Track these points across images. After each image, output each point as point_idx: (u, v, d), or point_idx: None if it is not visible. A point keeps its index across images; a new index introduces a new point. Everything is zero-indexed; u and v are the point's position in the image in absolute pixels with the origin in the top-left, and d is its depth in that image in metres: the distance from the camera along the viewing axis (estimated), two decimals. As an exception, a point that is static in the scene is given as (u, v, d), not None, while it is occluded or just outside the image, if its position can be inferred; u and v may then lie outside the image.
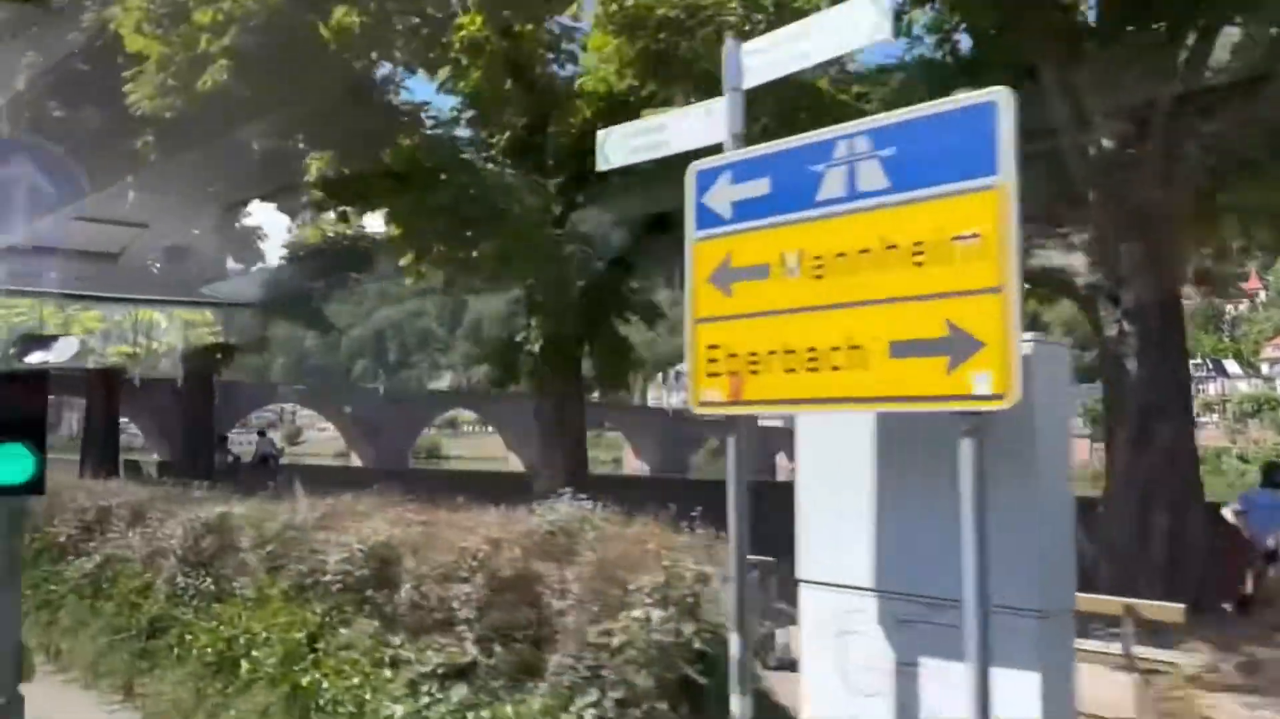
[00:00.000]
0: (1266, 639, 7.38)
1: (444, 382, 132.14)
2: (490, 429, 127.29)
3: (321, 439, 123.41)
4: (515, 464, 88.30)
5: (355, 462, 73.08)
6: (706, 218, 3.71)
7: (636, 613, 4.14)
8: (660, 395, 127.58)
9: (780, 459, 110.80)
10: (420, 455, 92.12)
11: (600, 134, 4.24)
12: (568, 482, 11.67)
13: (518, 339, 11.11)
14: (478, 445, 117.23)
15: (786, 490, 3.94)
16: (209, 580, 6.87)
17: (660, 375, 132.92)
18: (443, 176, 9.40)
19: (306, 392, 78.85)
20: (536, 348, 10.89)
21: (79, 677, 7.57)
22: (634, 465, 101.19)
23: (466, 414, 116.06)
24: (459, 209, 9.21)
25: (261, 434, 24.11)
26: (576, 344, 11.41)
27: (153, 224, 18.02)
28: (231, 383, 76.58)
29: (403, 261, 10.38)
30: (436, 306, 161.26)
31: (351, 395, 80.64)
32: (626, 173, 13.68)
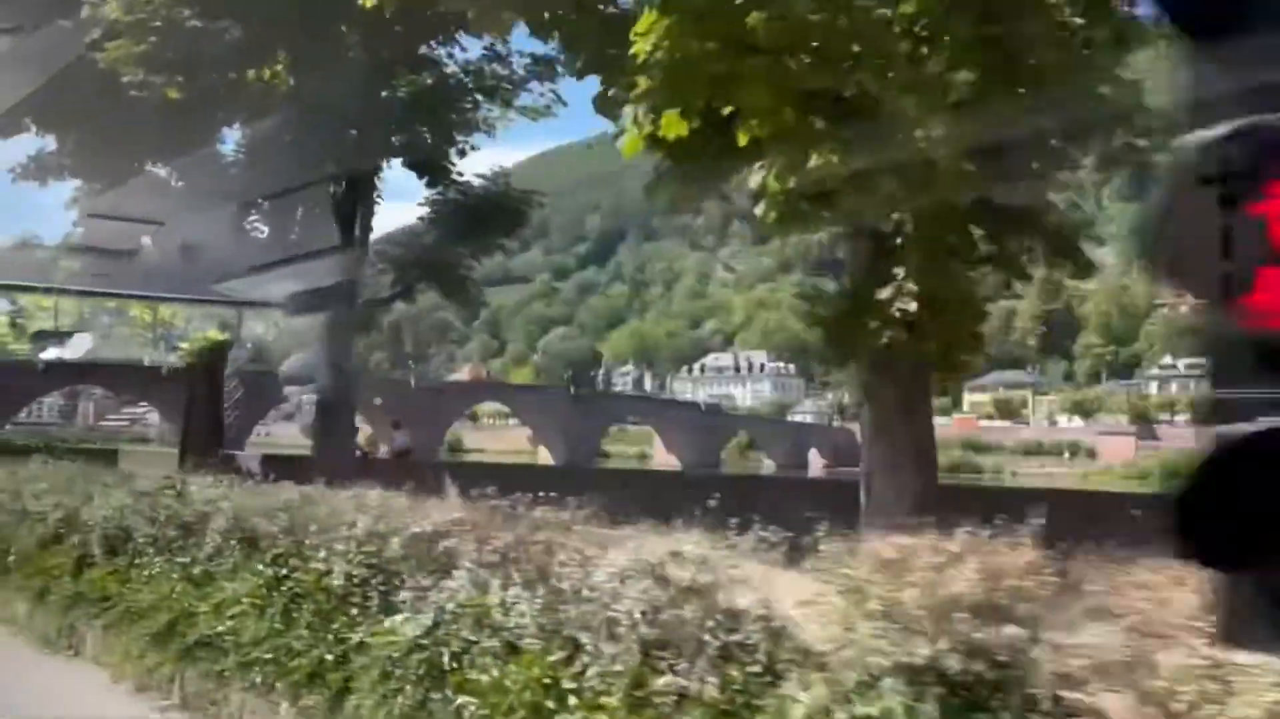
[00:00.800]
0: None
1: (464, 373, 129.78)
2: (512, 421, 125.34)
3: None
4: (544, 457, 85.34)
5: (384, 455, 70.05)
6: None
7: None
8: (687, 388, 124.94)
9: (813, 455, 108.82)
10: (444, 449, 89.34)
11: None
12: (919, 494, 8.73)
13: (882, 296, 7.91)
14: (498, 438, 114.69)
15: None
16: (710, 683, 3.88)
17: (686, 368, 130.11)
18: (854, 48, 6.36)
19: (337, 382, 75.76)
20: (911, 308, 7.75)
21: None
22: (664, 460, 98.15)
23: (486, 406, 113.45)
24: (880, 100, 6.24)
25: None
26: (946, 306, 8.30)
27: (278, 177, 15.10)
28: (260, 373, 74.07)
29: (754, 181, 7.20)
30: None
31: (382, 387, 77.86)
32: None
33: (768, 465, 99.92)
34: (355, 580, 5.54)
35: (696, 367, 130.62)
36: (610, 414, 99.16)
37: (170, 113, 13.95)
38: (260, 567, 6.18)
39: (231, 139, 17.90)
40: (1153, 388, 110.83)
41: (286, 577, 5.98)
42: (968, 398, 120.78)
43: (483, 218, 15.34)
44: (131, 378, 69.16)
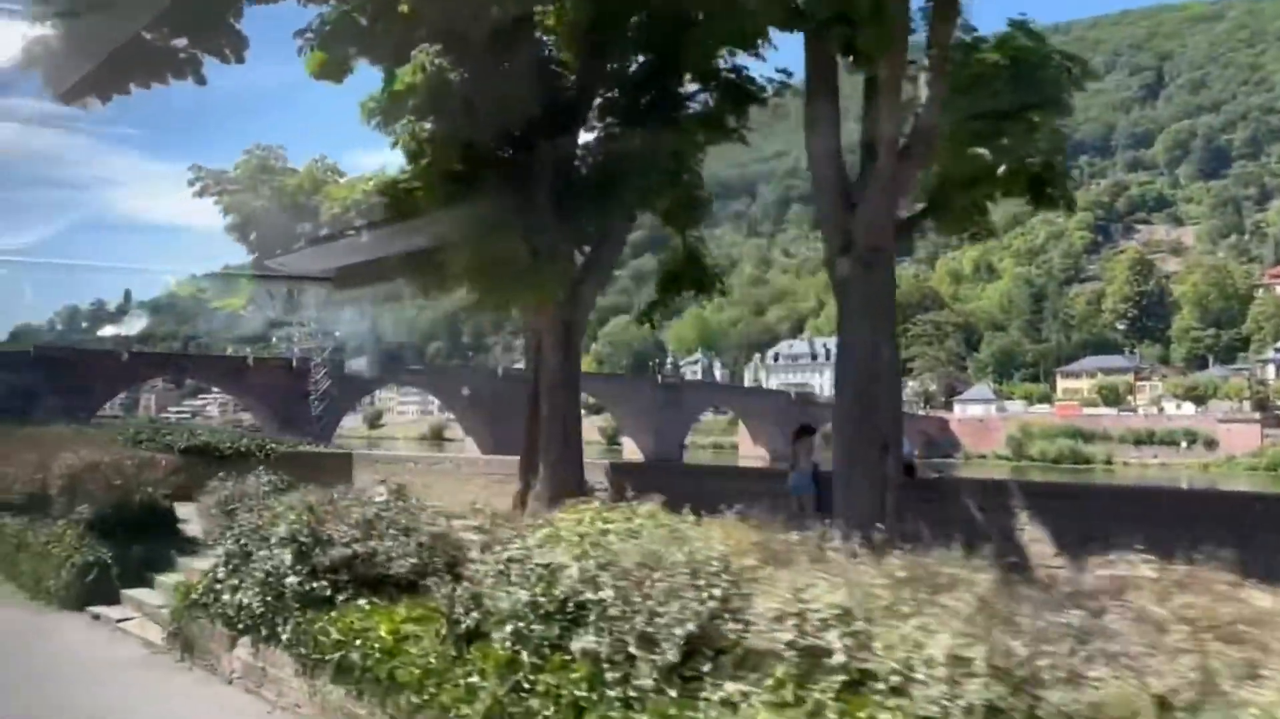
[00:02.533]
0: None
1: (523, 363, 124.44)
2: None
3: (401, 423, 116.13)
4: (631, 449, 79.75)
5: (472, 449, 64.77)
6: None
7: None
8: (761, 376, 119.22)
9: (905, 444, 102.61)
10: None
11: None
12: None
13: None
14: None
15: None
16: None
17: (758, 355, 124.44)
18: None
19: (423, 372, 70.86)
20: None
21: None
22: (750, 452, 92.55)
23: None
24: None
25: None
26: None
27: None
28: (342, 360, 68.48)
29: None
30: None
31: (468, 376, 72.63)
32: None
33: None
34: None
35: (770, 354, 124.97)
36: (697, 403, 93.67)
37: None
38: None
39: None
40: (1269, 371, 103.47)
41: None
42: (1061, 384, 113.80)
43: (1013, 91, 9.32)
44: (216, 368, 64.66)
